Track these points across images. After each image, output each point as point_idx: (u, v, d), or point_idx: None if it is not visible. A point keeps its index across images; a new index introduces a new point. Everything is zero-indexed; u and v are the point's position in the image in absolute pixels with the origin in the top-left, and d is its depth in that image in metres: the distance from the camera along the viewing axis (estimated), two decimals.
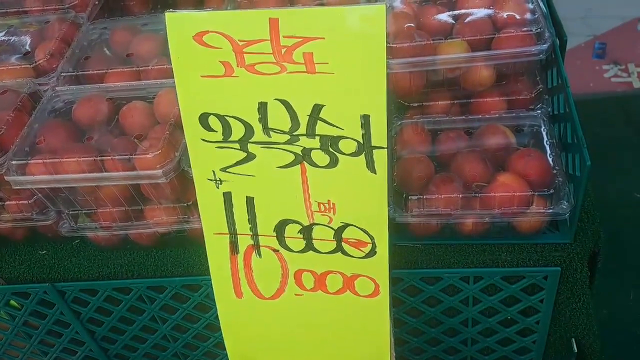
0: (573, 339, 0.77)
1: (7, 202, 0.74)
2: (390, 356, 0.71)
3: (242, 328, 0.71)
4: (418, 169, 0.70)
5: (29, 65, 0.79)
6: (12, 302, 0.83)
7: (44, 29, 0.86)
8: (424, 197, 0.67)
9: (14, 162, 0.67)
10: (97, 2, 0.91)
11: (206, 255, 0.69)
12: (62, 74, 0.77)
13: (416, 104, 0.77)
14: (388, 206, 0.64)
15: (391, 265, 0.66)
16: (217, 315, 0.76)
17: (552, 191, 0.66)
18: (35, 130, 0.71)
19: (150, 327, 0.85)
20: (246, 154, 0.61)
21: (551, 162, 0.69)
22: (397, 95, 0.77)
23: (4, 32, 0.87)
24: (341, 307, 0.68)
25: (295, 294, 0.68)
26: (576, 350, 0.77)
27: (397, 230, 0.70)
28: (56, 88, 0.76)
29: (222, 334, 0.76)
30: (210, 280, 0.71)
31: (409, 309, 0.77)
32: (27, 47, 0.83)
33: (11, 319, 0.84)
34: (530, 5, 0.73)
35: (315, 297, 0.68)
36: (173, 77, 0.59)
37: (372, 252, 0.64)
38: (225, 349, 0.81)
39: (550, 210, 0.66)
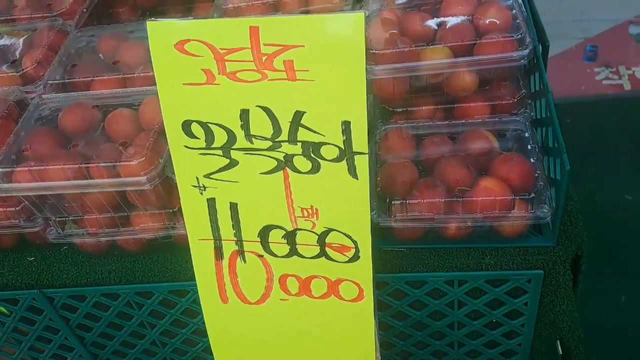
0: (558, 341, 0.78)
1: None
2: (376, 356, 0.72)
3: (229, 333, 0.72)
4: (402, 174, 0.71)
5: (16, 73, 0.80)
6: (1, 308, 0.84)
7: (32, 37, 0.86)
8: (407, 202, 0.67)
9: (0, 170, 0.67)
10: (85, 10, 0.92)
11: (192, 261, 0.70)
12: (49, 81, 0.78)
13: (400, 110, 0.77)
14: (372, 211, 0.65)
15: (375, 270, 0.67)
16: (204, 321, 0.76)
17: (533, 195, 0.67)
18: (21, 138, 0.72)
19: (139, 333, 0.85)
20: (229, 160, 0.61)
21: (533, 167, 0.69)
22: (381, 101, 0.77)
23: None
24: (326, 312, 0.69)
25: (281, 299, 0.69)
26: (561, 352, 0.77)
27: (381, 234, 0.71)
28: (43, 96, 0.77)
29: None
30: (194, 286, 0.72)
31: (395, 312, 0.78)
32: (15, 55, 0.84)
33: (0, 326, 0.85)
34: (512, 12, 0.74)
35: (300, 301, 0.68)
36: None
37: (356, 257, 0.65)
38: (211, 354, 0.81)
39: (532, 214, 0.67)
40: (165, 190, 0.69)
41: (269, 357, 0.73)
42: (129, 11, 0.99)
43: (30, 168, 0.66)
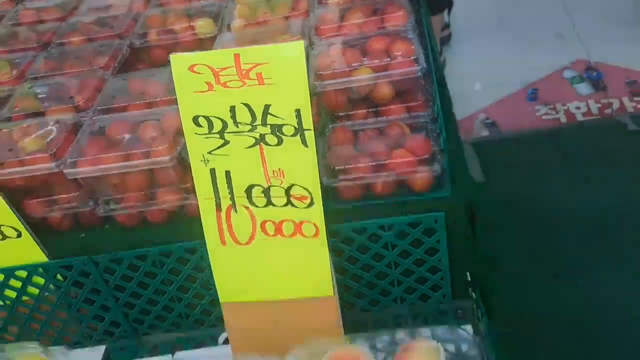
0: (467, 272, 1.07)
1: (58, 196, 1.06)
2: (332, 284, 1.01)
3: (227, 268, 1.01)
4: (343, 151, 1.03)
5: (72, 105, 1.14)
6: (58, 276, 1.13)
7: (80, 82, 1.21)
8: (345, 167, 0.99)
9: (69, 161, 0.99)
10: (116, 65, 1.27)
11: (200, 226, 1.00)
12: (97, 108, 1.11)
13: (342, 114, 1.11)
14: (322, 177, 0.96)
15: (328, 220, 0.97)
16: (210, 273, 1.06)
17: (431, 160, 0.99)
18: (80, 143, 1.04)
19: (160, 290, 1.14)
20: (223, 140, 0.93)
21: (432, 142, 1.02)
22: (328, 108, 1.11)
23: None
24: (294, 247, 0.98)
25: (263, 239, 0.98)
26: (470, 279, 1.07)
27: (333, 197, 1.02)
28: (93, 118, 1.10)
29: (215, 291, 1.05)
30: (203, 244, 1.02)
31: (347, 257, 1.07)
32: (70, 93, 1.18)
33: (57, 289, 1.13)
34: (412, 45, 1.08)
35: (276, 240, 0.98)
36: (173, 104, 0.92)
37: (311, 204, 0.95)
38: (216, 305, 1.10)
39: (432, 172, 0.99)
40: (181, 170, 1.00)
41: (255, 285, 1.02)
42: (147, 65, 1.35)
43: (89, 158, 0.98)
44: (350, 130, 1.09)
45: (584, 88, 2.60)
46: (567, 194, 2.13)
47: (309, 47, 1.15)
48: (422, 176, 1.00)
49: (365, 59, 1.09)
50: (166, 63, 1.32)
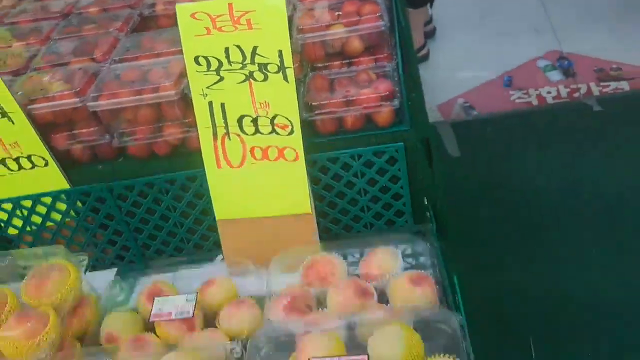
0: (425, 198, 1.27)
1: (79, 131, 1.25)
2: (310, 202, 1.20)
3: (222, 188, 1.20)
4: (320, 93, 1.23)
5: (91, 57, 1.34)
6: (78, 204, 1.32)
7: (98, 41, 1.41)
8: (320, 102, 1.19)
9: (90, 96, 1.19)
10: (129, 29, 1.47)
11: (199, 157, 1.20)
12: (113, 59, 1.31)
13: (320, 65, 1.31)
14: (302, 112, 1.16)
15: (305, 147, 1.16)
16: (207, 200, 1.25)
17: (392, 96, 1.19)
18: (99, 85, 1.24)
19: (165, 216, 1.33)
20: (219, 77, 1.12)
21: (393, 84, 1.22)
22: (309, 61, 1.31)
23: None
24: (278, 169, 1.17)
25: (251, 163, 1.18)
26: (427, 203, 1.26)
27: (311, 132, 1.22)
28: (110, 67, 1.30)
29: (212, 218, 1.25)
30: (201, 173, 1.21)
31: (324, 185, 1.26)
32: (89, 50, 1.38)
33: (76, 215, 1.33)
34: (379, 6, 1.29)
35: (263, 163, 1.17)
36: (177, 55, 1.12)
37: (292, 131, 1.15)
38: (213, 230, 1.29)
39: (393, 106, 1.19)
40: (184, 107, 1.20)
41: (245, 204, 1.21)
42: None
43: (107, 93, 1.18)
44: (327, 78, 1.28)
45: (555, 75, 2.80)
46: (536, 167, 2.32)
47: (293, 9, 1.35)
48: (384, 111, 1.19)
49: (339, 18, 1.29)
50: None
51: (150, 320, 1.09)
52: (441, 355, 0.85)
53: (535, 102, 2.69)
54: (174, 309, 1.09)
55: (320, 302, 1.11)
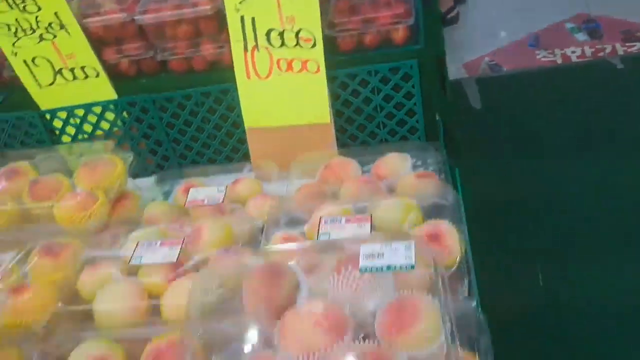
0: (437, 114, 1.38)
1: (127, 45, 1.40)
2: (330, 113, 1.33)
3: (251, 98, 1.33)
4: (343, 13, 1.35)
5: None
6: (124, 114, 1.48)
7: None
8: (342, 20, 1.31)
9: (137, 10, 1.34)
10: None
11: (232, 73, 1.34)
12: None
13: None
14: (324, 28, 1.28)
15: (327, 63, 1.29)
16: (238, 114, 1.39)
17: (408, 15, 1.30)
18: (144, 4, 1.39)
19: (201, 128, 1.47)
20: None
21: (410, 6, 1.33)
22: None
23: None
24: (301, 81, 1.30)
25: (278, 74, 1.31)
26: (438, 118, 1.37)
27: (333, 50, 1.34)
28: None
29: (241, 130, 1.39)
30: (233, 87, 1.35)
31: (343, 101, 1.39)
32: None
33: (123, 124, 1.48)
34: None
35: (287, 75, 1.30)
36: None
37: (314, 45, 1.27)
38: (243, 143, 1.43)
39: (407, 24, 1.30)
40: (218, 24, 1.34)
41: (271, 113, 1.34)
42: None
43: (152, 8, 1.33)
44: (349, 1, 1.40)
45: (582, 36, 2.85)
46: (557, 121, 2.39)
47: None
48: (400, 29, 1.31)
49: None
50: None
51: (186, 206, 1.24)
52: (438, 219, 0.96)
53: (559, 61, 2.74)
54: (207, 197, 1.24)
55: (336, 198, 1.24)
